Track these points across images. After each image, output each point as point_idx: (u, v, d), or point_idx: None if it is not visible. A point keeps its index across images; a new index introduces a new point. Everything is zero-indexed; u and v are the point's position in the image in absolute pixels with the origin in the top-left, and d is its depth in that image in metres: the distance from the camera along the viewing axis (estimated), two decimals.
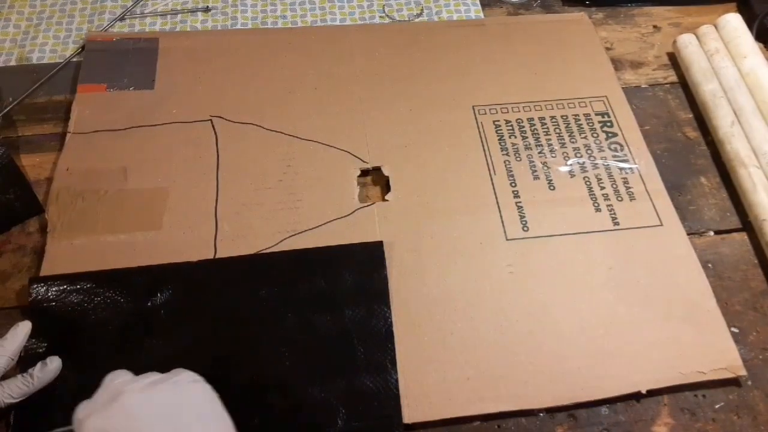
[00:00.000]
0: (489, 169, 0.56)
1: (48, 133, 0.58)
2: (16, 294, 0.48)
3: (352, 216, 0.52)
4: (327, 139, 0.57)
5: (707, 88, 0.61)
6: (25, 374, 0.41)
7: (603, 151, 0.58)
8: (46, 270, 0.48)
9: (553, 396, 0.45)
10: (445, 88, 0.62)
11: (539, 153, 0.57)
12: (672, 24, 0.71)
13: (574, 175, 0.56)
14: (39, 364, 0.42)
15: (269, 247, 0.50)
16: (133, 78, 0.61)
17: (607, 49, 0.67)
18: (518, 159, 0.57)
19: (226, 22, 0.68)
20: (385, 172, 0.55)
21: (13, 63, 0.63)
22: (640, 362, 0.46)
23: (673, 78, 0.66)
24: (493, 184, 0.55)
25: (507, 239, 0.52)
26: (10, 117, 0.59)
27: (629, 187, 0.55)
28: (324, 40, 0.65)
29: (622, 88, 0.63)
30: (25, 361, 0.43)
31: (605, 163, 0.57)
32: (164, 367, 0.44)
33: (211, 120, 0.58)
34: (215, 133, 0.57)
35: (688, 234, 0.53)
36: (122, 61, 0.62)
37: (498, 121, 0.59)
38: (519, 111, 0.60)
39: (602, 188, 0.55)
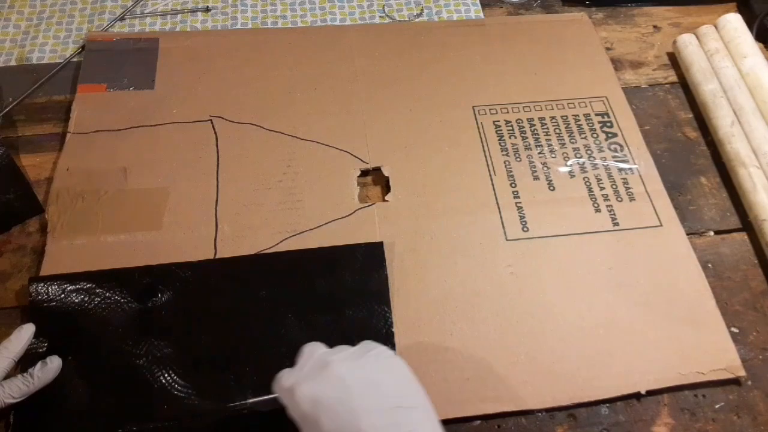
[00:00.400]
0: (489, 170, 0.56)
1: (48, 133, 0.58)
2: (16, 294, 0.48)
3: (352, 216, 0.52)
4: (327, 140, 0.57)
5: (707, 88, 0.61)
6: (25, 374, 0.41)
7: (603, 151, 0.58)
8: (46, 270, 0.48)
9: (553, 396, 0.45)
10: (445, 88, 0.62)
11: (539, 153, 0.57)
12: (672, 24, 0.71)
13: (574, 176, 0.56)
14: (39, 364, 0.42)
15: (269, 248, 0.50)
16: (133, 78, 0.61)
17: (607, 49, 0.67)
18: (518, 159, 0.57)
19: (226, 22, 0.68)
20: (385, 172, 0.55)
21: (13, 63, 0.63)
22: (640, 362, 0.46)
23: (673, 78, 0.66)
24: (493, 184, 0.55)
25: (507, 239, 0.52)
26: (10, 117, 0.59)
27: (629, 188, 0.55)
28: (324, 40, 0.65)
29: (622, 88, 0.63)
30: (25, 361, 0.43)
31: (605, 164, 0.57)
32: (164, 367, 0.44)
33: (211, 120, 0.58)
34: (215, 133, 0.57)
35: (688, 234, 0.53)
36: (122, 61, 0.62)
37: (498, 121, 0.59)
38: (519, 111, 0.60)
39: (602, 189, 0.55)
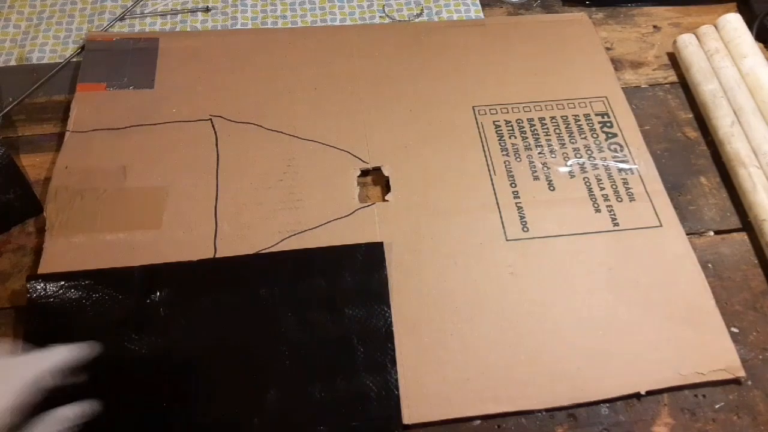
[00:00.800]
0: (489, 170, 0.56)
1: (48, 133, 0.58)
2: (16, 294, 0.48)
3: (352, 216, 0.52)
4: (327, 139, 0.57)
5: (707, 88, 0.61)
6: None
7: (603, 151, 0.58)
8: (44, 268, 0.48)
9: (553, 396, 0.45)
10: (445, 88, 0.62)
11: (539, 153, 0.57)
12: (672, 24, 0.71)
13: (574, 176, 0.56)
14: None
15: (269, 247, 0.50)
16: (133, 77, 0.61)
17: (607, 49, 0.67)
18: (518, 159, 0.57)
19: (226, 22, 0.68)
20: (385, 172, 0.55)
21: (13, 63, 0.63)
22: (640, 362, 0.46)
23: (673, 78, 0.66)
24: (493, 184, 0.55)
25: (507, 240, 0.52)
26: (10, 117, 0.59)
27: (629, 188, 0.55)
28: (324, 40, 0.65)
29: (622, 88, 0.63)
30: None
31: (605, 164, 0.57)
32: (162, 365, 0.44)
33: (210, 119, 0.58)
34: (215, 132, 0.57)
35: (688, 234, 0.53)
36: (122, 60, 0.62)
37: (498, 121, 0.59)
38: (519, 111, 0.60)
39: (602, 189, 0.55)
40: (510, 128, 0.59)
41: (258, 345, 0.46)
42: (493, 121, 0.59)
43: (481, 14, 0.70)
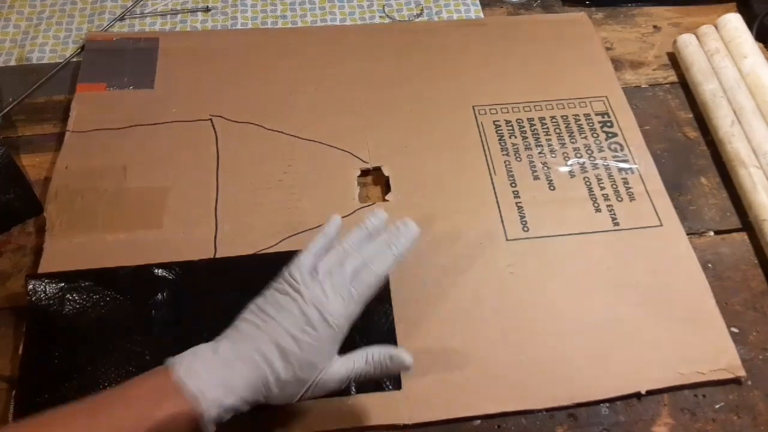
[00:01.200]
0: (489, 169, 0.56)
1: (48, 133, 0.58)
2: (15, 294, 0.48)
3: (352, 216, 0.52)
4: (327, 139, 0.57)
5: (707, 88, 0.61)
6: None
7: (603, 151, 0.58)
8: (44, 267, 0.48)
9: (553, 396, 0.45)
10: (445, 88, 0.62)
11: (539, 153, 0.57)
12: (672, 24, 0.71)
13: (574, 176, 0.56)
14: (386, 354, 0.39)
15: (269, 247, 0.50)
16: (133, 77, 0.61)
17: (607, 49, 0.67)
18: (518, 159, 0.57)
19: (226, 22, 0.68)
20: (385, 172, 0.55)
21: (13, 63, 0.63)
22: (640, 362, 0.46)
23: (673, 78, 0.66)
24: (493, 184, 0.55)
25: (507, 239, 0.52)
26: (10, 117, 0.59)
27: (629, 188, 0.55)
28: (324, 40, 0.65)
29: (622, 88, 0.63)
30: None
31: (605, 164, 0.57)
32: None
33: (211, 119, 0.58)
34: (215, 132, 0.57)
35: (688, 234, 0.53)
36: (122, 60, 0.62)
37: (498, 121, 0.59)
38: (519, 111, 0.60)
39: (602, 188, 0.55)
40: (510, 128, 0.59)
41: None
42: (493, 121, 0.59)
43: (481, 14, 0.70)
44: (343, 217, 0.52)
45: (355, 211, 0.53)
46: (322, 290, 0.37)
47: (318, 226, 0.52)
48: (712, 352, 0.47)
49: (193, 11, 0.68)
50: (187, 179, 0.54)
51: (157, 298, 0.47)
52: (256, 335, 0.36)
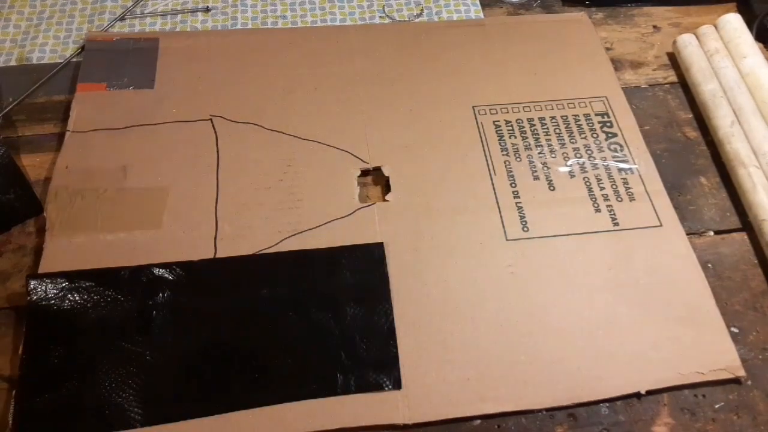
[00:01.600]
0: (489, 170, 0.56)
1: (48, 133, 0.58)
2: (16, 294, 0.48)
3: (352, 216, 0.52)
4: (327, 139, 0.57)
5: (707, 88, 0.61)
6: None
7: (603, 151, 0.58)
8: (44, 267, 0.48)
9: (553, 396, 0.45)
10: (445, 88, 0.62)
11: (539, 153, 0.57)
12: (672, 24, 0.71)
13: (574, 176, 0.56)
14: None
15: (269, 247, 0.50)
16: (133, 77, 0.61)
17: (607, 49, 0.67)
18: (518, 159, 0.57)
19: (226, 22, 0.68)
20: (385, 172, 0.55)
21: (13, 63, 0.63)
22: (640, 362, 0.46)
23: (673, 78, 0.66)
24: (493, 184, 0.55)
25: (507, 239, 0.52)
26: (10, 117, 0.59)
27: (629, 188, 0.55)
28: (324, 40, 0.65)
29: (622, 88, 0.63)
30: None
31: (605, 164, 0.57)
32: (163, 366, 0.45)
33: (211, 119, 0.58)
34: (215, 132, 0.57)
35: (687, 234, 0.53)
36: (122, 60, 0.62)
37: (498, 121, 0.59)
38: (519, 111, 0.60)
39: (602, 189, 0.55)
40: (510, 128, 0.59)
41: (259, 345, 0.46)
42: (493, 121, 0.59)
43: (481, 14, 0.70)
44: (343, 217, 0.52)
45: (354, 211, 0.53)
46: None
47: (318, 226, 0.52)
48: (712, 352, 0.47)
49: (193, 11, 0.68)
50: (187, 179, 0.54)
51: (158, 299, 0.47)
52: None
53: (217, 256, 0.50)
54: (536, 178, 0.56)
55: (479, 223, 0.53)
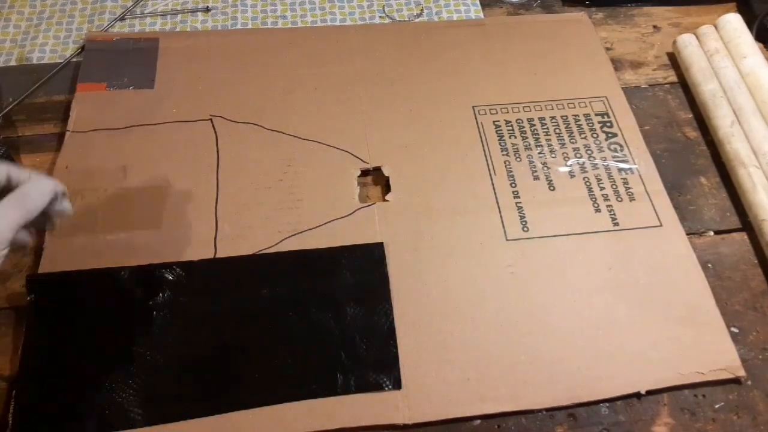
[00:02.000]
0: (489, 170, 0.56)
1: (48, 133, 0.58)
2: (16, 294, 0.48)
3: (352, 216, 0.52)
4: (327, 139, 0.57)
5: (707, 88, 0.61)
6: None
7: (603, 151, 0.58)
8: (44, 267, 0.48)
9: (552, 396, 0.45)
10: (445, 88, 0.62)
11: (539, 153, 0.57)
12: (672, 24, 0.71)
13: (574, 176, 0.56)
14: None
15: (269, 247, 0.50)
16: (134, 77, 0.61)
17: (607, 49, 0.67)
18: (518, 159, 0.57)
19: (226, 22, 0.68)
20: (385, 172, 0.55)
21: (13, 63, 0.63)
22: (640, 362, 0.46)
23: (673, 78, 0.66)
24: (493, 184, 0.55)
25: (507, 240, 0.52)
26: (10, 117, 0.59)
27: (629, 188, 0.55)
28: (324, 40, 0.65)
29: (622, 88, 0.63)
30: None
31: (605, 164, 0.57)
32: (164, 366, 0.45)
33: (211, 119, 0.58)
34: (215, 132, 0.57)
35: (687, 234, 0.53)
36: (122, 60, 0.62)
37: (498, 121, 0.59)
38: (519, 111, 0.60)
39: (602, 189, 0.55)
40: (510, 128, 0.59)
41: (260, 345, 0.46)
42: (493, 121, 0.59)
43: (481, 14, 0.70)
44: (343, 217, 0.52)
45: (355, 211, 0.53)
46: None
47: (318, 226, 0.52)
48: (711, 352, 0.47)
49: (193, 11, 0.68)
50: (187, 179, 0.54)
51: (158, 299, 0.47)
52: None
53: (217, 256, 0.50)
54: (536, 178, 0.56)
55: (479, 223, 0.53)
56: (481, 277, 0.50)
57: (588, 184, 0.55)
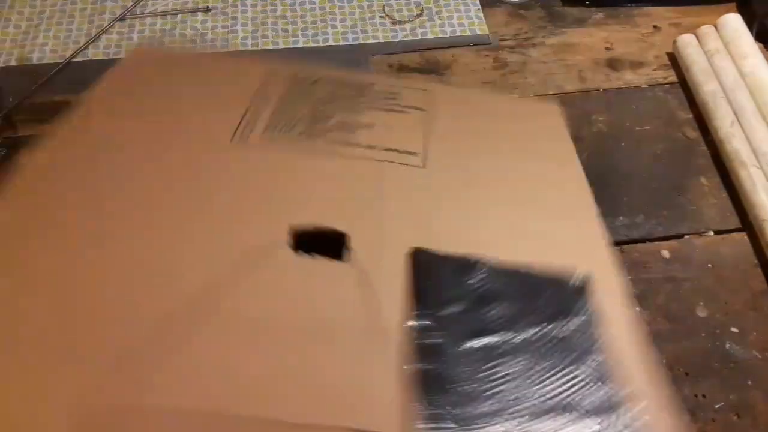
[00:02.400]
0: None
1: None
2: None
3: None
4: None
5: (707, 89, 0.61)
6: None
7: None
8: None
9: None
10: None
11: None
12: (672, 24, 0.71)
13: None
14: None
15: None
16: None
17: (607, 49, 0.67)
18: None
19: (226, 23, 0.68)
20: None
21: (13, 63, 0.63)
22: None
23: (673, 78, 0.66)
24: None
25: None
26: (10, 117, 0.59)
27: None
28: None
29: (622, 88, 0.63)
30: None
31: None
32: None
33: None
34: None
35: (688, 234, 0.53)
36: None
37: None
38: None
39: None
40: None
41: None
42: None
43: (481, 14, 0.70)
44: None
45: None
46: None
47: None
48: None
49: (193, 11, 0.68)
50: None
51: None
52: None
53: None
54: None
55: None
56: None
57: None
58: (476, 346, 0.33)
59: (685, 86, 0.65)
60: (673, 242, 0.54)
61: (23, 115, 0.59)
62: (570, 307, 0.35)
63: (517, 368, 0.32)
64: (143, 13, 0.68)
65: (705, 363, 0.47)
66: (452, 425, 0.30)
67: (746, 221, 0.55)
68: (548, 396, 0.32)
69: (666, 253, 0.53)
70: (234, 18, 0.68)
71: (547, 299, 0.35)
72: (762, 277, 0.52)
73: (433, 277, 0.36)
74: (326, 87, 0.48)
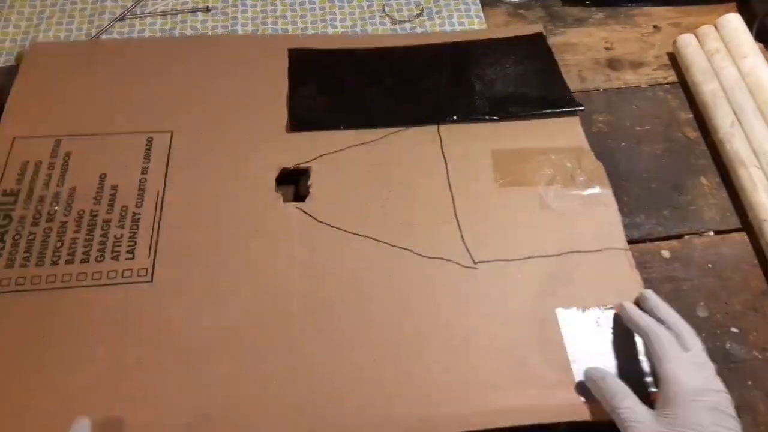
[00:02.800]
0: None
1: None
2: None
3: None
4: None
5: (707, 88, 0.61)
6: None
7: None
8: None
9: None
10: None
11: None
12: (672, 24, 0.71)
13: None
14: None
15: None
16: None
17: (607, 49, 0.67)
18: None
19: (226, 22, 0.68)
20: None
21: (13, 63, 0.63)
22: None
23: (673, 78, 0.66)
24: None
25: None
26: None
27: None
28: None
29: (622, 88, 0.63)
30: None
31: None
32: None
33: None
34: None
35: (688, 234, 0.53)
36: None
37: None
38: None
39: None
40: None
41: None
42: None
43: (481, 14, 0.69)
44: None
45: None
46: None
47: None
48: None
49: (193, 11, 0.68)
50: None
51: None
52: None
53: None
54: None
55: None
56: None
57: None
58: None
59: (685, 86, 0.65)
60: (673, 242, 0.54)
61: None
62: None
63: None
64: (143, 13, 0.68)
65: None
66: None
67: (746, 221, 0.55)
68: None
69: (666, 253, 0.53)
70: (234, 18, 0.68)
71: None
72: (762, 277, 0.52)
73: None
74: None
